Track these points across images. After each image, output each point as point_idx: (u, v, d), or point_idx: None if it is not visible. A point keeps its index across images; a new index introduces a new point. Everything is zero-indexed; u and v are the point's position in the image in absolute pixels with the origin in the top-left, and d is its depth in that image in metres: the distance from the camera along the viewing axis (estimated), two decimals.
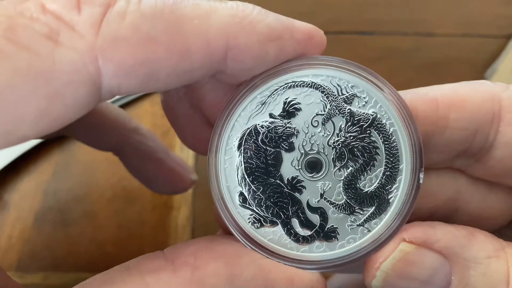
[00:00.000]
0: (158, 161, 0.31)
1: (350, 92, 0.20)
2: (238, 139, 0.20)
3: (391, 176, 0.19)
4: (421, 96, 0.20)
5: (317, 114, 0.20)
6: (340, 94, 0.20)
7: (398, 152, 0.19)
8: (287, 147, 0.20)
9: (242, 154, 0.20)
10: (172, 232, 0.36)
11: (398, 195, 0.19)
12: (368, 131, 0.19)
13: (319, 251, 0.20)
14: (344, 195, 0.20)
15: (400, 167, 0.19)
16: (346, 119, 0.19)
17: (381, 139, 0.19)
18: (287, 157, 0.20)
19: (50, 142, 0.38)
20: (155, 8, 0.17)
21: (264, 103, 0.20)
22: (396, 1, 0.45)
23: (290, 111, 0.20)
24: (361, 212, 0.20)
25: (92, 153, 0.38)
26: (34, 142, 0.38)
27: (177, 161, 0.32)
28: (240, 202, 0.20)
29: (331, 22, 0.44)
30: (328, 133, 0.20)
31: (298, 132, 0.20)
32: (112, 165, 0.37)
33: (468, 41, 0.44)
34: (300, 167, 0.20)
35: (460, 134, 0.20)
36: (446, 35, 0.44)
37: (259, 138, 0.20)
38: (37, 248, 0.35)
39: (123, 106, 0.40)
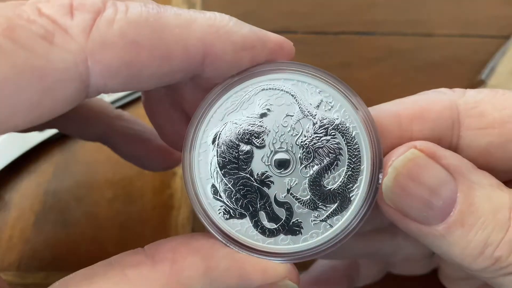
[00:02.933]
0: (145, 141, 0.32)
1: (318, 97, 0.21)
2: (213, 134, 0.21)
3: (352, 175, 0.21)
4: (384, 112, 0.22)
5: (287, 115, 0.21)
6: (309, 98, 0.21)
7: (359, 154, 0.21)
8: (258, 144, 0.21)
9: (216, 149, 0.21)
10: (172, 232, 0.36)
11: (359, 194, 0.21)
12: (333, 133, 0.21)
13: (284, 244, 0.21)
14: (309, 191, 0.21)
15: (361, 167, 0.21)
16: (313, 121, 0.21)
17: (344, 141, 0.21)
18: (258, 154, 0.21)
19: (51, 142, 0.38)
20: (140, 17, 0.18)
21: (239, 102, 0.21)
22: (396, 2, 0.45)
23: (262, 111, 0.21)
24: (324, 208, 0.21)
25: (93, 153, 0.38)
26: (34, 142, 0.38)
27: None
28: (211, 193, 0.21)
29: (331, 22, 0.44)
30: (297, 133, 0.21)
31: (269, 131, 0.21)
32: (112, 166, 0.38)
33: (468, 42, 0.44)
34: (269, 163, 0.21)
35: None
36: (446, 35, 0.44)
37: (233, 134, 0.21)
38: (37, 248, 0.35)
39: (123, 106, 0.41)
